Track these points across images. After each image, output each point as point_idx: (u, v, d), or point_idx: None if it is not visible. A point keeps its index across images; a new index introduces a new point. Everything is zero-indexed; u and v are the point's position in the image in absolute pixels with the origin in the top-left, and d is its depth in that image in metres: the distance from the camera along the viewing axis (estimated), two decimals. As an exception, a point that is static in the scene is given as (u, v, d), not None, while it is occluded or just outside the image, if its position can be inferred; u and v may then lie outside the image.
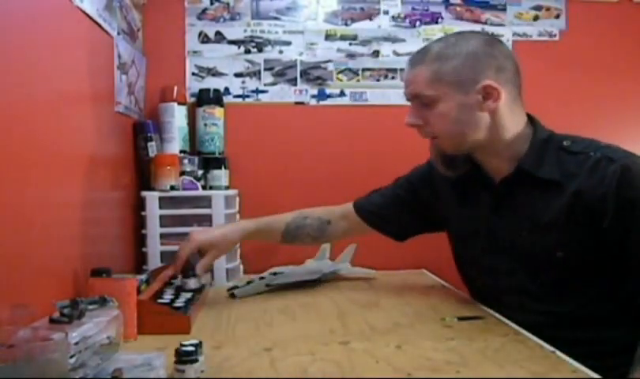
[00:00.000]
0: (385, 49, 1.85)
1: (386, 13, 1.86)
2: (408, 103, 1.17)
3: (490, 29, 1.87)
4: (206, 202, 1.51)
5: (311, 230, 1.35)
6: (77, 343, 0.72)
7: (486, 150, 1.13)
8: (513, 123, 1.11)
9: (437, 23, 1.87)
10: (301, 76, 1.82)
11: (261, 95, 1.81)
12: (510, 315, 1.09)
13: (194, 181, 1.60)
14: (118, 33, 1.45)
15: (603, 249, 1.04)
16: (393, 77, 1.85)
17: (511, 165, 1.11)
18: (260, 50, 1.81)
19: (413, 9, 1.87)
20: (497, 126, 1.10)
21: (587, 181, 1.03)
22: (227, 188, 1.67)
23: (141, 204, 1.52)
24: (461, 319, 1.09)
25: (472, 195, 1.20)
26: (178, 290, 1.19)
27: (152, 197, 1.50)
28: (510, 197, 1.12)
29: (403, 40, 1.86)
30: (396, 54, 1.85)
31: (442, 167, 1.18)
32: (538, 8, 1.91)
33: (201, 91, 1.75)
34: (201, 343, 0.79)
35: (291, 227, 1.33)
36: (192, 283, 1.21)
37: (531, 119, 1.15)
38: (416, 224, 1.35)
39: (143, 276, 1.17)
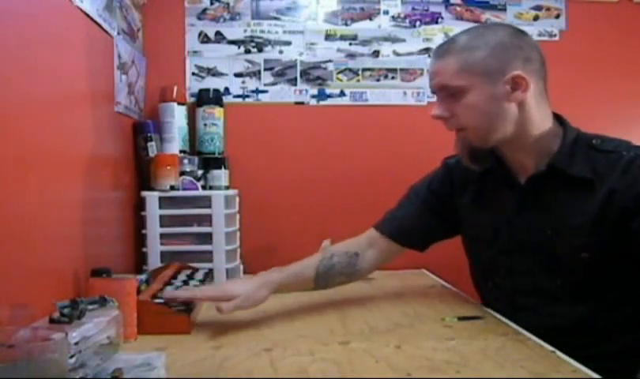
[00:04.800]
0: (385, 49, 1.85)
1: (386, 13, 1.86)
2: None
3: (490, 29, 1.87)
4: (206, 202, 1.51)
5: (341, 268, 1.27)
6: (77, 343, 0.72)
7: (513, 145, 1.10)
8: (540, 117, 1.09)
9: (437, 23, 1.87)
10: (301, 76, 1.82)
11: (261, 95, 1.81)
12: (523, 317, 1.06)
13: (194, 181, 1.60)
14: (118, 33, 1.45)
15: (628, 251, 1.02)
16: (393, 77, 1.85)
17: (538, 163, 1.09)
18: (260, 50, 1.81)
19: (413, 9, 1.87)
20: (524, 119, 1.07)
21: (620, 181, 1.01)
22: (227, 188, 1.67)
23: (141, 204, 1.52)
24: (461, 319, 1.09)
25: (491, 195, 1.18)
26: (179, 290, 1.19)
27: (152, 197, 1.50)
28: (536, 196, 1.10)
29: (403, 40, 1.86)
30: (396, 54, 1.85)
31: (468, 161, 1.15)
32: (538, 8, 1.91)
33: (201, 91, 1.75)
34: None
35: (320, 271, 1.25)
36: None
37: (559, 118, 1.13)
38: (440, 231, 1.31)
39: (143, 276, 1.17)
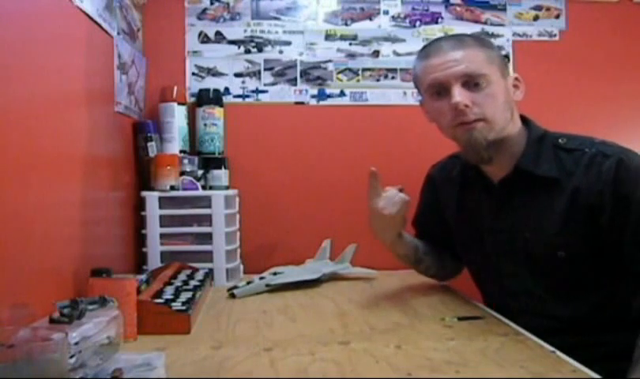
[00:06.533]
0: (385, 49, 1.85)
1: (386, 13, 1.86)
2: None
3: (490, 29, 1.87)
4: (206, 202, 1.51)
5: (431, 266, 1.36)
6: (77, 343, 0.72)
7: (501, 145, 1.09)
8: (517, 120, 1.13)
9: (437, 23, 1.87)
10: (301, 76, 1.82)
11: (261, 95, 1.81)
12: (520, 320, 1.06)
13: (194, 181, 1.60)
14: (118, 33, 1.45)
15: (602, 249, 1.03)
16: (393, 77, 1.85)
17: (509, 165, 1.11)
18: (260, 50, 1.81)
19: (413, 9, 1.87)
20: (514, 119, 1.11)
21: (584, 179, 1.03)
22: (227, 188, 1.67)
23: (141, 204, 1.52)
24: (461, 319, 1.09)
25: (472, 201, 1.19)
26: (179, 290, 1.19)
27: (152, 197, 1.50)
28: (511, 198, 1.11)
29: (403, 40, 1.86)
30: (396, 54, 1.85)
31: (485, 152, 1.09)
32: (538, 8, 1.91)
33: (200, 91, 1.75)
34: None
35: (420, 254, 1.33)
36: None
37: (524, 119, 1.15)
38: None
39: (143, 276, 1.17)
